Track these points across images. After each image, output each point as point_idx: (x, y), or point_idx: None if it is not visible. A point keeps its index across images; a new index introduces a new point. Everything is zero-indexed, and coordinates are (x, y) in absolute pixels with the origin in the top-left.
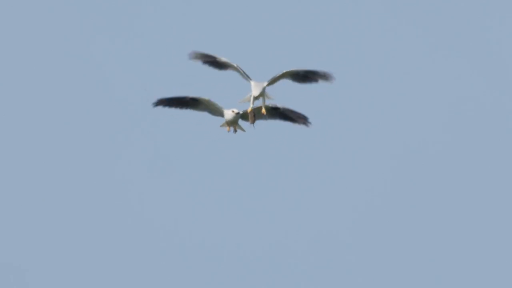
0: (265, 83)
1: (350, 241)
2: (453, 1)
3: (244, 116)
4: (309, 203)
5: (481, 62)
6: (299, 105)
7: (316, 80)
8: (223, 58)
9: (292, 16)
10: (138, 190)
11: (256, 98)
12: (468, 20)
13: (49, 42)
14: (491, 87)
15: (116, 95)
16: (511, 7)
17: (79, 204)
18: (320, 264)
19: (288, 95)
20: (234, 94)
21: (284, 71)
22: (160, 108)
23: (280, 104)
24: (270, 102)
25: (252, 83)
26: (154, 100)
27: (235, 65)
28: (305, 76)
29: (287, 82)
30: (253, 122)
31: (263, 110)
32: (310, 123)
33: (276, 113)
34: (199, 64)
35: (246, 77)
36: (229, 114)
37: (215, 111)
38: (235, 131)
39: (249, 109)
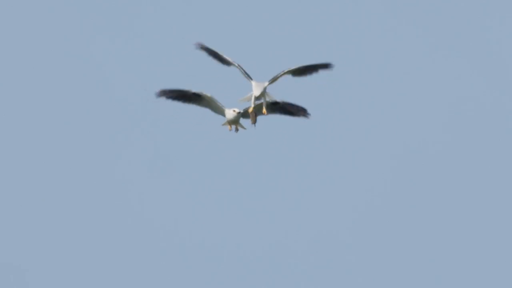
0: (266, 83)
1: (350, 241)
2: (453, 1)
3: (245, 114)
4: (309, 203)
5: (481, 62)
6: (299, 104)
7: (316, 71)
8: (226, 56)
9: (292, 16)
10: (138, 190)
11: (257, 98)
12: (468, 20)
13: (49, 42)
14: (491, 87)
15: (116, 95)
16: (511, 7)
17: (79, 204)
18: (320, 264)
19: (288, 94)
20: (234, 94)
21: (286, 70)
22: (161, 106)
23: (279, 99)
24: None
25: (253, 83)
26: (157, 90)
27: (236, 64)
28: (304, 70)
29: (288, 79)
30: (254, 122)
31: (264, 110)
32: (309, 114)
33: (276, 107)
34: (203, 54)
35: (247, 76)
36: (230, 113)
37: (217, 109)
38: (236, 130)
39: (250, 109)
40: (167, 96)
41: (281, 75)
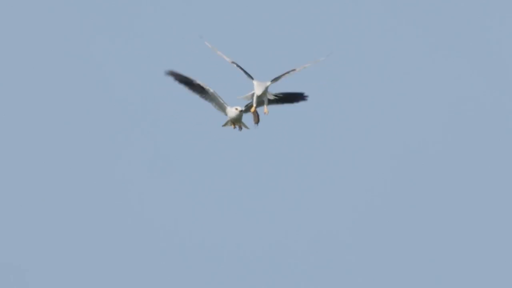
0: (269, 83)
1: (350, 241)
2: (453, 1)
3: (247, 110)
4: (309, 203)
5: (481, 62)
6: (299, 104)
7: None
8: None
9: (292, 16)
10: (138, 190)
11: (259, 97)
12: (468, 20)
13: (49, 42)
14: (491, 87)
15: (116, 95)
16: (511, 7)
17: (79, 204)
18: (320, 264)
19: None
20: (234, 94)
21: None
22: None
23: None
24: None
25: (255, 82)
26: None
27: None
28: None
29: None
30: (257, 122)
31: (266, 110)
32: (307, 96)
33: (274, 100)
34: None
35: (248, 76)
36: (232, 111)
37: (219, 105)
38: (240, 129)
39: (252, 109)
40: (175, 78)
41: (284, 74)
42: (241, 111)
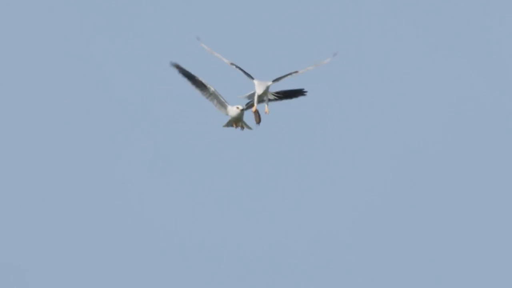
0: (270, 82)
1: (350, 241)
2: (453, 1)
3: (247, 109)
4: (309, 203)
5: (481, 62)
6: (299, 104)
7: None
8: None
9: (292, 16)
10: (138, 190)
11: (259, 96)
12: (468, 20)
13: (49, 42)
14: (491, 87)
15: (116, 95)
16: (511, 7)
17: (79, 204)
18: (320, 264)
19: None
20: (234, 94)
21: (293, 71)
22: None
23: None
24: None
25: (255, 82)
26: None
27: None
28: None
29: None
30: (259, 122)
31: (266, 110)
32: (307, 91)
33: (274, 97)
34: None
35: (248, 76)
36: (233, 110)
37: (220, 104)
38: (242, 128)
39: (253, 109)
40: (179, 70)
41: (286, 75)
42: (242, 110)
